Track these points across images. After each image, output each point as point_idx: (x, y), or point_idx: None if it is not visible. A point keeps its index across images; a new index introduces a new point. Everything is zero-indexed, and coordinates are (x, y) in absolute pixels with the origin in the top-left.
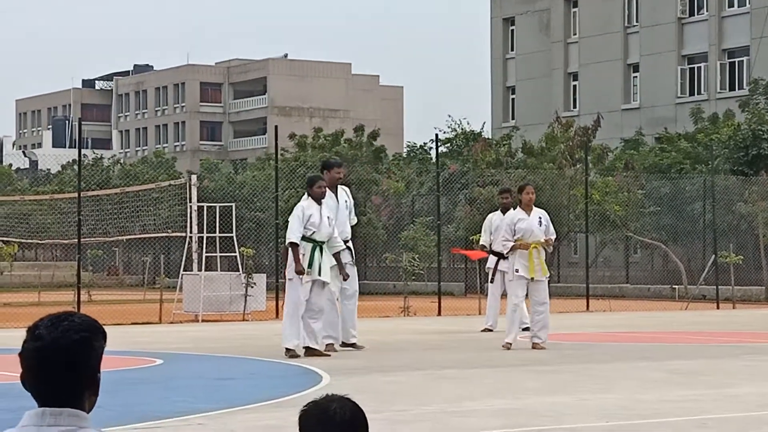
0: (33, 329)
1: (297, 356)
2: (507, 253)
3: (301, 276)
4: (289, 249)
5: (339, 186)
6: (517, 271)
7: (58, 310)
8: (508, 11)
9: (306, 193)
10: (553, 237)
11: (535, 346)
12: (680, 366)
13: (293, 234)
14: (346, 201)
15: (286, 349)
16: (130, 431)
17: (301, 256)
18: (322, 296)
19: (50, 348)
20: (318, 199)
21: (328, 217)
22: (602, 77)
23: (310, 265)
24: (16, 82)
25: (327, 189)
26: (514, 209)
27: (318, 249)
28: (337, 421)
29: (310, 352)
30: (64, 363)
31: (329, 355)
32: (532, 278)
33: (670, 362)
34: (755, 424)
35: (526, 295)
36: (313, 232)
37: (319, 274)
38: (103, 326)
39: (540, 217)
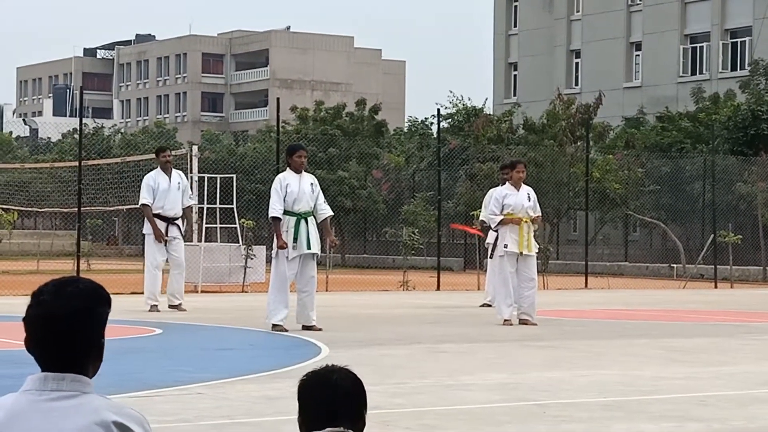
0: (37, 294)
1: (285, 330)
2: (495, 227)
3: (285, 252)
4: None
5: (174, 169)
6: (506, 246)
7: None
8: None
9: (286, 163)
10: (539, 215)
11: (524, 323)
12: (678, 344)
13: (273, 209)
14: (179, 183)
15: (273, 325)
16: (128, 399)
17: (284, 232)
18: (312, 269)
19: (54, 314)
20: (297, 169)
21: (311, 184)
22: (604, 55)
23: (295, 239)
24: (18, 49)
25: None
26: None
27: (303, 221)
28: (337, 391)
29: (306, 329)
30: (67, 329)
31: (321, 329)
32: (521, 253)
33: (668, 340)
34: (754, 402)
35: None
36: (294, 203)
37: (308, 248)
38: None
39: (528, 194)
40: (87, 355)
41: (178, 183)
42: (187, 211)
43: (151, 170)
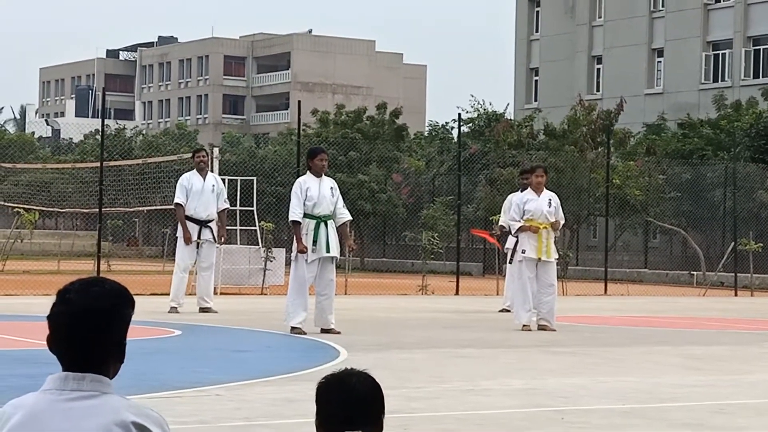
0: (63, 293)
1: (303, 333)
2: (515, 233)
3: (304, 255)
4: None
5: (209, 172)
6: (523, 251)
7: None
8: None
9: (307, 166)
10: (562, 221)
11: (543, 328)
12: (697, 352)
13: (293, 212)
14: (213, 185)
15: (292, 327)
16: (147, 400)
17: (304, 235)
18: (331, 272)
19: (79, 313)
20: (318, 172)
21: (331, 188)
22: (626, 61)
23: (315, 242)
24: (41, 50)
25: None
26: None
27: (322, 224)
28: (355, 395)
29: (325, 332)
30: (92, 329)
31: (339, 332)
32: (540, 259)
33: (688, 348)
34: None
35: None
36: (314, 207)
37: (327, 251)
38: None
39: (550, 199)
40: (109, 355)
41: (213, 185)
42: (221, 214)
43: (180, 172)
